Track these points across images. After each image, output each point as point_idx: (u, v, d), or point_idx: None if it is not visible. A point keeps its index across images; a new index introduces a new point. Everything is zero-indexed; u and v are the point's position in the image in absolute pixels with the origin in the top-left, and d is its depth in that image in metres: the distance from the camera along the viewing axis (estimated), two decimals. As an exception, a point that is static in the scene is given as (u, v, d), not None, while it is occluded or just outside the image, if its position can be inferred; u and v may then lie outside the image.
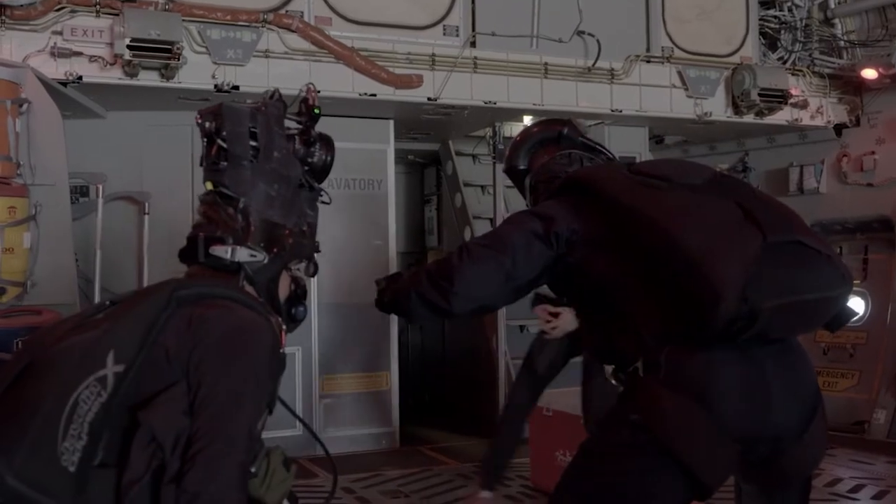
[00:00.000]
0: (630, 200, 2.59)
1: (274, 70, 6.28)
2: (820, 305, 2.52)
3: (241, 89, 6.16)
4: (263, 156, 2.37)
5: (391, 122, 7.42)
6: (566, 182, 2.84)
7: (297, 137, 2.47)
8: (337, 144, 2.54)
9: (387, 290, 3.01)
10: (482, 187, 9.11)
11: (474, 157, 9.19)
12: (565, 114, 7.80)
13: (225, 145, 2.35)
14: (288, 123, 2.47)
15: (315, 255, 2.50)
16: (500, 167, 7.75)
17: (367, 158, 7.22)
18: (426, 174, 9.62)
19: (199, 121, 2.38)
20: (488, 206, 8.38)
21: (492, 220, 8.21)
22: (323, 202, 2.52)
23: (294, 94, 2.54)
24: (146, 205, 6.81)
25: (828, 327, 2.63)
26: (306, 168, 2.47)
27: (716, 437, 2.44)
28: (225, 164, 2.35)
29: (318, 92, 2.55)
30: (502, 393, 7.56)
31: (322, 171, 2.50)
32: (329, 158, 2.50)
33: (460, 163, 8.86)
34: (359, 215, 7.03)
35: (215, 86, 6.11)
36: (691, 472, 2.42)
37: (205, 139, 2.38)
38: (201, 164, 2.40)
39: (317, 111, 2.49)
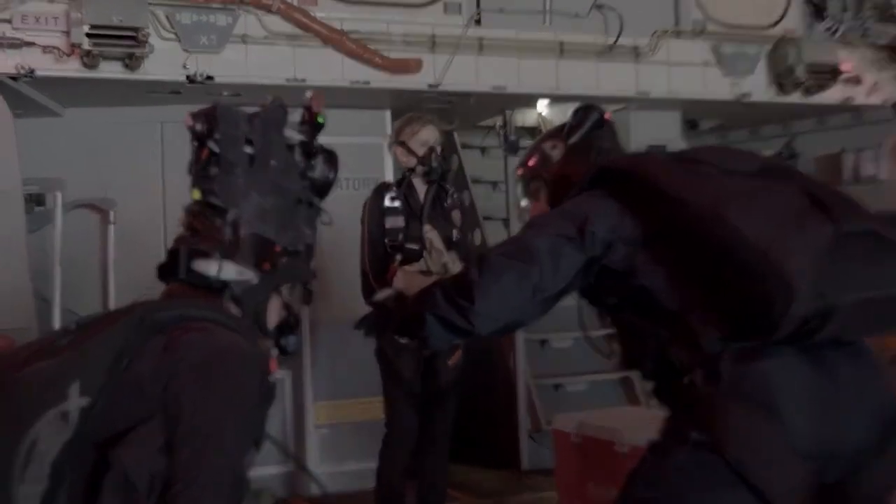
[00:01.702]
0: (679, 189, 2.57)
1: (253, 57, 6.27)
2: None
3: (217, 79, 6.15)
4: (259, 164, 2.40)
5: (387, 113, 7.41)
6: (599, 172, 2.81)
7: (297, 148, 2.50)
8: (326, 139, 2.56)
9: (392, 314, 3.00)
10: (493, 184, 9.10)
11: (483, 149, 9.19)
12: (585, 99, 7.80)
13: (217, 149, 2.37)
14: (288, 133, 2.50)
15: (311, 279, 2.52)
16: (512, 160, 7.74)
17: (361, 154, 7.19)
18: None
19: (191, 123, 2.41)
20: (500, 204, 8.37)
21: (505, 221, 8.19)
22: (323, 223, 2.54)
23: (275, 84, 2.57)
24: (111, 213, 6.80)
25: None
26: (306, 183, 2.49)
27: (790, 453, 2.44)
28: (216, 170, 2.37)
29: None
30: (523, 418, 7.53)
31: (323, 188, 2.53)
32: (332, 174, 2.53)
33: (467, 157, 8.84)
34: (353, 219, 6.99)
35: (187, 76, 6.10)
36: (763, 493, 2.42)
37: (195, 143, 2.41)
38: (189, 172, 2.43)
39: (321, 120, 2.52)
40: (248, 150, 2.41)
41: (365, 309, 5.43)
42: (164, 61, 6.06)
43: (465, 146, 8.88)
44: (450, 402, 5.50)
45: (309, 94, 2.57)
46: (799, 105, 8.08)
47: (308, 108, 2.54)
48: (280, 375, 6.99)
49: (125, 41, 5.74)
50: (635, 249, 2.67)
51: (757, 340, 2.46)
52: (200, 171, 2.40)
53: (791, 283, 2.33)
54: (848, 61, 8.03)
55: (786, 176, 2.66)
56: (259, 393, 2.18)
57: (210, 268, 2.32)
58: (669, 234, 2.60)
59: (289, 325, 2.48)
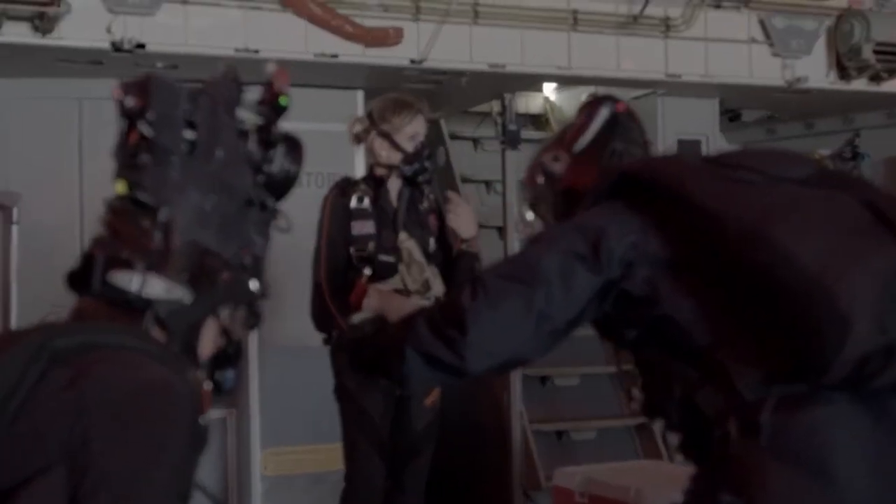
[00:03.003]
0: (714, 199, 2.60)
1: (194, 21, 6.29)
2: None
3: (149, 48, 6.16)
4: (202, 153, 2.35)
5: (359, 94, 7.44)
6: (619, 180, 2.84)
7: (251, 135, 2.46)
8: (286, 125, 2.54)
9: (366, 344, 3.01)
10: (487, 183, 9.13)
11: (476, 141, 9.21)
12: (602, 81, 7.84)
13: (149, 133, 2.33)
14: (243, 115, 2.46)
15: (259, 300, 2.47)
16: (511, 155, 7.77)
17: (328, 144, 7.15)
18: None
19: (120, 96, 2.36)
20: (496, 209, 8.39)
21: (500, 230, 8.22)
22: (280, 229, 2.51)
23: (222, 55, 2.54)
24: (14, 211, 6.79)
25: None
26: (260, 179, 2.46)
27: None
28: (146, 159, 2.32)
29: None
30: (517, 472, 7.55)
31: (282, 186, 2.48)
32: (294, 169, 2.49)
33: (456, 149, 8.87)
34: (315, 222, 7.03)
35: (112, 43, 6.10)
36: None
37: (124, 122, 2.36)
38: (114, 156, 2.38)
39: (284, 102, 2.48)
40: (189, 135, 2.36)
41: (314, 333, 5.47)
42: (84, 24, 6.07)
43: (453, 136, 8.90)
44: (424, 453, 5.51)
45: (271, 67, 2.51)
46: (865, 94, 8.15)
47: (269, 86, 2.49)
48: (221, 415, 7.01)
49: (36, -2, 5.76)
50: (660, 271, 2.70)
51: (804, 384, 2.47)
52: (128, 158, 2.34)
53: (848, 315, 2.34)
54: (927, 41, 8.11)
55: (845, 184, 2.69)
56: (188, 438, 2.15)
57: (129, 282, 2.26)
58: (702, 253, 2.63)
59: (227, 356, 2.44)
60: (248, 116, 2.47)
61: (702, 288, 2.64)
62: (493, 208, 8.56)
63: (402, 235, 5.29)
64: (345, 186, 5.41)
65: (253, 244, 2.44)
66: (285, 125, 2.56)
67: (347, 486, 5.43)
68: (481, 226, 8.48)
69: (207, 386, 2.41)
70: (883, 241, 2.47)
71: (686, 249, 2.66)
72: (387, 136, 5.33)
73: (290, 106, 2.51)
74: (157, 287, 2.28)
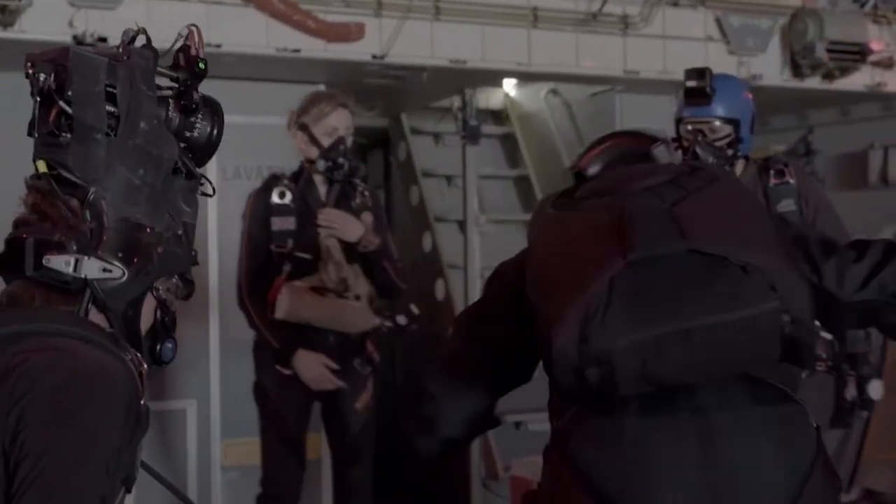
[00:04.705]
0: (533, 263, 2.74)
1: (157, 15, 6.24)
2: (718, 334, 2.40)
3: (110, 42, 6.11)
4: (125, 127, 2.29)
5: (321, 89, 7.39)
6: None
7: (171, 102, 2.39)
8: (248, 119, 2.51)
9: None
10: (448, 178, 9.11)
11: (436, 136, 9.19)
12: (562, 77, 7.86)
13: (70, 110, 2.26)
14: (159, 81, 2.39)
15: (191, 269, 2.44)
16: (472, 150, 7.78)
17: (289, 139, 7.20)
18: (370, 160, 9.61)
19: (32, 70, 2.28)
20: (456, 203, 8.39)
21: (461, 224, 8.22)
22: (205, 194, 2.45)
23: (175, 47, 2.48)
24: (-23, 203, 6.75)
25: (798, 363, 2.54)
26: (183, 145, 2.40)
27: None
28: (68, 136, 2.27)
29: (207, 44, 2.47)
30: (475, 462, 7.56)
31: (205, 150, 2.43)
32: (215, 131, 2.42)
33: (417, 144, 8.86)
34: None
35: (74, 37, 6.08)
36: None
37: (38, 99, 2.29)
38: (30, 134, 2.33)
39: (201, 66, 2.42)
40: (111, 108, 2.29)
41: (234, 331, 5.46)
42: (46, 17, 6.05)
43: (414, 132, 8.89)
44: (365, 457, 5.49)
45: (185, 29, 2.45)
46: (819, 91, 8.21)
47: (185, 50, 2.43)
48: (182, 405, 7.00)
49: (-2, -9, 5.72)
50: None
51: (568, 403, 2.64)
52: (48, 137, 2.28)
53: (553, 335, 2.44)
54: (879, 40, 8.15)
55: (657, 194, 2.58)
56: (127, 421, 2.11)
57: (67, 265, 2.21)
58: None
59: (164, 327, 2.40)
60: (166, 83, 2.40)
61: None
62: (453, 203, 8.56)
63: (323, 232, 5.20)
64: (269, 182, 5.29)
65: (182, 213, 2.40)
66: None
67: (262, 490, 5.48)
68: (442, 220, 8.56)
69: (147, 365, 2.34)
70: (603, 254, 2.47)
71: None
72: (305, 129, 5.25)
73: (207, 68, 2.43)
74: (92, 267, 2.24)
